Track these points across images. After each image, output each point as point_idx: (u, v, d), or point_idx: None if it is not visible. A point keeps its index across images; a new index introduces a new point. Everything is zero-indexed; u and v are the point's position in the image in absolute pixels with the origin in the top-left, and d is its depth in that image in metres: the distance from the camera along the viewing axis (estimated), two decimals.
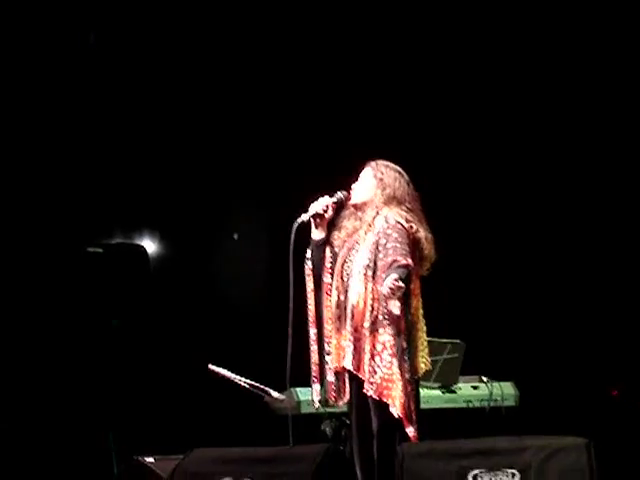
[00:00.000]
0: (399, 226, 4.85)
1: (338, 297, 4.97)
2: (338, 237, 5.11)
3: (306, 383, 5.19)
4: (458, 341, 6.76)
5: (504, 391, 6.85)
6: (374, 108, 8.06)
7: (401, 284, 4.59)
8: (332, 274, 5.03)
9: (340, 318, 4.94)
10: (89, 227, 7.92)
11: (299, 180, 7.56)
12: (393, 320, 4.73)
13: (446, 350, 6.62)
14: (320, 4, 7.98)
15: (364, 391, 4.77)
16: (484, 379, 6.90)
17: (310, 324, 5.01)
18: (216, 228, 8.31)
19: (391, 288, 4.57)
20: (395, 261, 4.72)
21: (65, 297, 7.58)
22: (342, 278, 4.98)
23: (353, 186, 5.12)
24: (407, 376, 4.73)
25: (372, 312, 4.78)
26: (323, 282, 5.05)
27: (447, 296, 7.33)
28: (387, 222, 4.87)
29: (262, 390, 5.61)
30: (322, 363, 5.00)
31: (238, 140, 8.14)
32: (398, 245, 4.78)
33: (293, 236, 5.02)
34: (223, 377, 5.64)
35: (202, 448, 4.76)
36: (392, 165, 5.12)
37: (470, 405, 6.78)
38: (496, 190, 8.22)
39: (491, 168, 8.22)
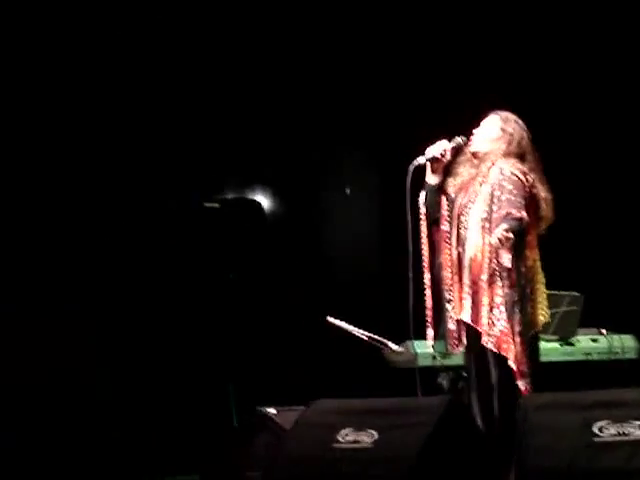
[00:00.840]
0: (514, 178, 4.79)
1: (457, 250, 4.94)
2: (453, 184, 5.06)
3: (423, 336, 5.16)
4: (577, 293, 6.70)
5: (624, 344, 6.80)
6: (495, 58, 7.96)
7: (510, 235, 4.56)
8: (449, 222, 5.00)
9: (459, 269, 4.91)
10: (205, 183, 8.00)
11: (413, 124, 7.52)
12: (505, 272, 4.70)
13: (565, 302, 6.58)
14: None
15: (483, 343, 4.75)
16: (603, 331, 6.86)
17: (424, 269, 5.00)
18: (330, 176, 8.31)
19: (499, 239, 4.55)
20: (509, 214, 4.68)
21: (185, 251, 7.68)
22: (459, 230, 4.94)
23: (475, 132, 5.04)
24: (518, 329, 4.70)
25: (490, 265, 4.74)
26: (440, 229, 5.02)
27: (566, 248, 7.21)
28: (502, 174, 4.82)
29: (380, 342, 5.62)
30: (438, 309, 4.99)
31: (350, 86, 8.11)
32: (512, 197, 4.73)
33: (409, 178, 4.98)
34: (341, 329, 5.67)
35: (323, 399, 4.78)
36: (520, 121, 5.04)
37: (589, 358, 6.73)
38: (618, 147, 8.07)
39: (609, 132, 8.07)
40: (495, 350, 4.71)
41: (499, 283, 4.73)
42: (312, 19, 7.99)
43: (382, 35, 8.02)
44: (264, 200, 8.27)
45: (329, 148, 8.17)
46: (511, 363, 4.68)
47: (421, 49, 8.03)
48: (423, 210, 5.02)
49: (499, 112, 5.05)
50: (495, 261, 4.73)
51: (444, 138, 5.07)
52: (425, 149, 5.03)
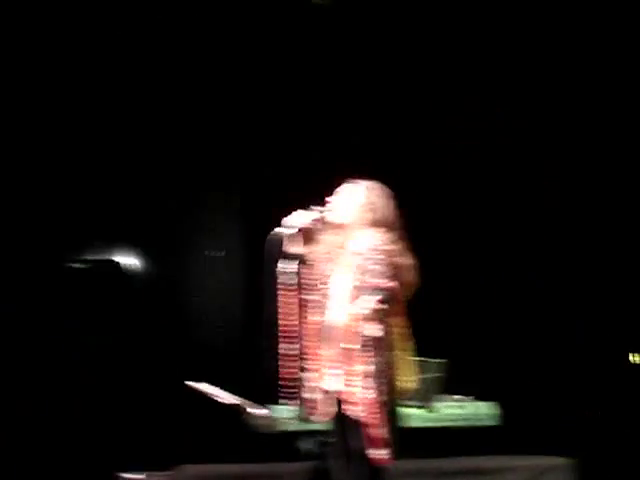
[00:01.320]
0: (382, 248, 4.77)
1: (317, 318, 4.87)
2: (315, 252, 5.00)
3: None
4: (442, 360, 6.73)
5: (487, 411, 6.86)
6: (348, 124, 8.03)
7: (383, 306, 4.56)
8: (311, 290, 4.93)
9: (320, 338, 4.84)
10: (68, 243, 7.85)
11: (278, 195, 7.52)
12: (373, 341, 4.65)
13: (430, 369, 6.60)
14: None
15: (343, 411, 4.68)
16: (467, 398, 6.91)
17: (282, 339, 4.87)
18: (194, 245, 8.26)
19: (370, 310, 4.54)
20: (378, 285, 4.66)
21: (47, 313, 7.50)
22: (321, 296, 4.89)
23: (334, 201, 5.00)
24: (383, 398, 4.66)
25: (354, 334, 4.69)
26: (302, 298, 4.93)
27: (431, 315, 7.27)
28: (371, 244, 4.79)
29: (242, 406, 5.53)
30: (297, 379, 4.90)
31: (214, 153, 8.10)
32: (381, 268, 4.71)
33: (268, 248, 4.90)
34: (202, 393, 5.56)
35: (189, 465, 4.69)
36: (384, 188, 5.02)
37: (453, 424, 6.76)
38: (479, 209, 8.23)
39: (470, 192, 8.22)
40: (357, 417, 4.64)
41: (364, 351, 4.68)
42: None
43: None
44: (125, 261, 8.14)
45: (192, 211, 8.11)
46: (374, 431, 4.63)
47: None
48: (284, 280, 4.92)
49: (362, 181, 5.02)
50: (360, 330, 4.70)
51: (303, 208, 5.01)
52: (286, 219, 4.97)
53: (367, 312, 4.56)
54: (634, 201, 8.15)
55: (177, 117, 8.04)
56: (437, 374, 6.75)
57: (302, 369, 4.87)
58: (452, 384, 6.87)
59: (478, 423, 6.73)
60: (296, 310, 4.91)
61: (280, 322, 4.89)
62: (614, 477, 7.17)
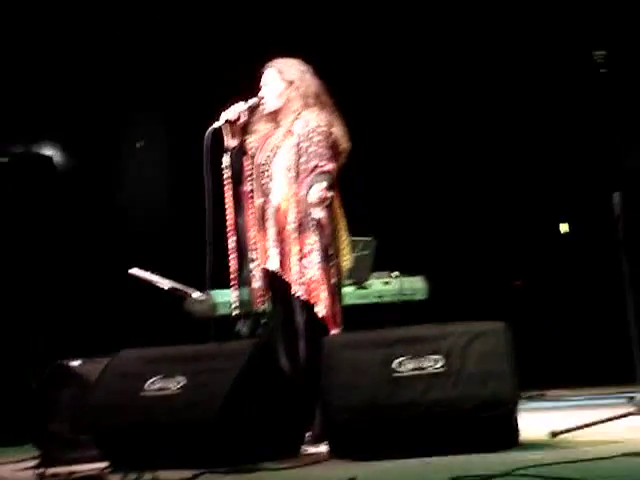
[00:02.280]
0: (320, 129, 4.86)
1: (258, 200, 4.96)
2: (252, 141, 5.06)
3: (223, 285, 5.24)
4: (370, 238, 6.87)
5: (414, 285, 7.04)
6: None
7: (329, 193, 4.65)
8: (252, 180, 5.00)
9: (263, 220, 4.95)
10: None
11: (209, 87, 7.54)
12: (320, 226, 4.78)
13: (358, 247, 6.73)
14: None
15: (292, 292, 4.81)
16: (395, 274, 7.08)
17: (229, 232, 4.97)
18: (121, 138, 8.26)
19: (320, 197, 4.62)
20: (317, 166, 4.77)
21: None
22: (261, 180, 4.97)
23: (261, 93, 5.04)
24: (333, 280, 4.80)
25: (297, 214, 4.81)
26: (244, 190, 5.01)
27: (357, 193, 7.40)
28: (308, 125, 4.87)
29: (183, 291, 5.65)
30: (243, 271, 4.99)
31: (145, 48, 8.06)
32: (320, 150, 4.81)
33: (207, 143, 4.95)
34: (144, 280, 5.67)
35: (127, 349, 4.77)
36: (293, 61, 5.07)
37: (382, 300, 6.94)
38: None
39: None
40: (305, 298, 4.77)
41: (307, 233, 4.80)
42: None
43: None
44: (54, 154, 8.12)
45: (124, 108, 8.10)
46: (321, 310, 4.75)
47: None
48: (227, 174, 5.00)
49: (274, 63, 5.07)
50: (306, 213, 4.78)
51: (238, 100, 5.05)
52: (220, 113, 5.01)
53: (316, 200, 4.64)
54: None
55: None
56: (366, 251, 6.90)
57: (251, 260, 4.98)
58: (378, 260, 7.03)
59: (407, 298, 6.95)
60: (232, 203, 4.98)
61: (228, 217, 4.96)
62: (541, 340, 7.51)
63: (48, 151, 8.09)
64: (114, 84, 8.03)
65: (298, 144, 4.86)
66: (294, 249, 4.81)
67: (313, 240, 4.79)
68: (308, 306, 4.79)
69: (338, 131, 4.93)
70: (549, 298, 8.15)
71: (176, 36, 8.12)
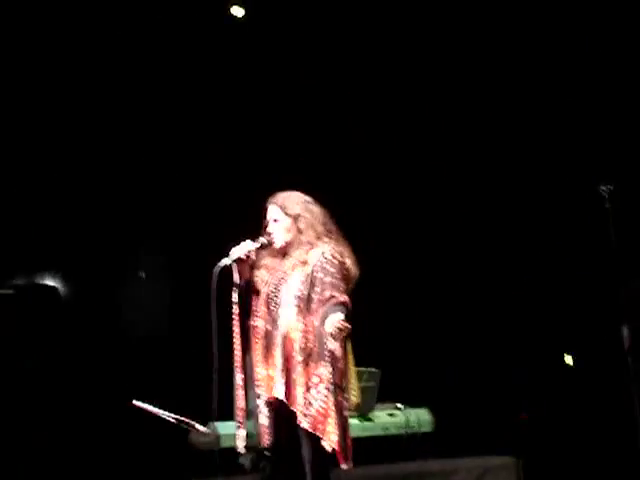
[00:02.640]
0: (335, 260, 4.89)
1: (265, 327, 4.95)
2: (261, 276, 5.07)
3: (225, 418, 5.22)
4: (374, 369, 6.84)
5: (420, 417, 6.98)
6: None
7: (348, 325, 4.60)
8: (260, 317, 4.98)
9: (268, 347, 4.92)
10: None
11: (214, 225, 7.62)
12: (334, 357, 4.73)
13: (363, 378, 6.71)
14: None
15: (297, 422, 4.74)
16: (400, 406, 7.03)
17: (237, 369, 4.91)
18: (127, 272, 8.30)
19: (338, 328, 4.56)
20: (333, 297, 4.76)
21: None
22: (269, 308, 4.95)
23: (269, 229, 5.07)
24: (344, 412, 4.75)
25: (307, 344, 4.78)
26: (252, 325, 4.99)
27: (362, 324, 7.40)
28: (324, 257, 4.89)
29: (187, 423, 5.59)
30: (249, 408, 4.92)
31: (148, 183, 8.17)
32: (335, 280, 4.82)
33: (215, 280, 4.92)
34: (148, 412, 5.61)
35: None
36: (293, 194, 5.12)
37: (388, 432, 6.87)
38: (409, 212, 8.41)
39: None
40: (310, 430, 4.71)
41: (319, 363, 4.75)
42: None
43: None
44: (58, 285, 8.14)
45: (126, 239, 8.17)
46: (330, 444, 4.68)
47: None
48: (236, 310, 4.96)
49: (276, 199, 5.10)
50: (318, 343, 4.75)
51: (247, 239, 5.05)
52: (229, 250, 5.01)
53: (334, 331, 4.58)
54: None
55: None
56: (370, 383, 6.88)
57: (257, 396, 4.92)
58: (382, 392, 6.99)
59: (412, 430, 6.88)
60: (239, 339, 4.93)
61: (235, 353, 4.90)
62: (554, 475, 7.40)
63: (50, 282, 8.10)
64: (117, 217, 8.08)
65: (312, 274, 4.87)
66: (300, 379, 4.77)
67: (322, 371, 4.74)
68: (313, 438, 4.72)
69: (349, 260, 4.96)
70: (556, 431, 8.06)
71: (177, 169, 8.21)
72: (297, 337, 4.82)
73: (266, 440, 4.90)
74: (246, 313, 5.00)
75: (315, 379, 4.76)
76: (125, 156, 8.13)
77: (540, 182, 8.22)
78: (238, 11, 8.08)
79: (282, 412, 4.86)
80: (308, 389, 4.75)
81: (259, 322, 4.97)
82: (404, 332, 8.13)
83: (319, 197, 5.16)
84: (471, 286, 8.31)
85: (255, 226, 5.13)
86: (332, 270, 4.86)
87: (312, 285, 4.85)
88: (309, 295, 4.84)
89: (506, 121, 8.29)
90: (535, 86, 8.16)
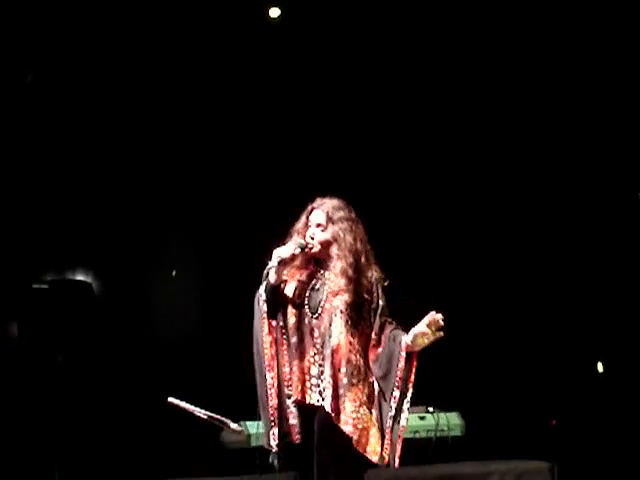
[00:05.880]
0: (383, 284, 4.96)
1: (295, 328, 4.94)
2: (293, 278, 5.03)
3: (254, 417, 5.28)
4: None
5: (450, 421, 6.97)
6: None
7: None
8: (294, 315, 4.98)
9: (303, 353, 4.91)
10: (29, 264, 7.88)
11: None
12: (366, 369, 4.86)
13: None
14: None
15: (341, 432, 4.76)
16: (430, 409, 7.01)
17: (267, 368, 4.90)
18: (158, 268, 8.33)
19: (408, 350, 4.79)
20: (387, 321, 4.91)
21: (11, 333, 7.52)
22: (309, 320, 4.93)
23: (311, 234, 5.01)
24: (387, 423, 4.83)
25: (351, 361, 4.82)
26: (280, 326, 4.97)
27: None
28: (373, 277, 4.95)
29: (220, 421, 5.62)
30: (281, 406, 4.92)
31: (181, 181, 8.21)
32: (383, 302, 4.93)
33: (266, 283, 4.91)
34: (182, 409, 5.63)
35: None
36: (340, 203, 5.07)
37: (417, 435, 6.86)
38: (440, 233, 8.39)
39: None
40: (354, 442, 4.74)
41: (362, 380, 4.84)
42: None
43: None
44: (91, 281, 8.19)
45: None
46: (375, 458, 4.75)
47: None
48: (264, 309, 4.94)
49: (322, 205, 5.07)
50: (361, 360, 4.84)
51: (276, 238, 5.04)
52: (273, 250, 4.94)
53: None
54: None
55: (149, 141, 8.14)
56: None
57: (287, 396, 4.93)
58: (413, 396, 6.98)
59: (443, 434, 6.88)
60: (270, 338, 4.94)
61: (265, 352, 4.92)
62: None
63: (84, 278, 8.15)
64: (150, 214, 8.12)
65: (363, 294, 4.89)
66: (350, 395, 4.80)
67: (366, 388, 4.84)
68: (355, 451, 4.75)
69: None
70: (590, 437, 8.02)
71: (210, 167, 8.23)
72: (344, 353, 4.83)
73: (296, 440, 4.92)
74: (273, 312, 4.98)
75: (362, 396, 4.83)
76: (160, 153, 8.17)
77: (579, 188, 8.18)
78: (274, 12, 8.07)
79: (320, 421, 4.85)
80: (360, 405, 4.81)
81: (289, 322, 4.97)
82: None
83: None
84: (506, 291, 8.27)
85: (282, 226, 5.14)
86: (381, 292, 4.93)
87: (364, 305, 4.89)
88: (359, 313, 4.88)
89: (546, 125, 8.25)
90: (576, 90, 8.12)
